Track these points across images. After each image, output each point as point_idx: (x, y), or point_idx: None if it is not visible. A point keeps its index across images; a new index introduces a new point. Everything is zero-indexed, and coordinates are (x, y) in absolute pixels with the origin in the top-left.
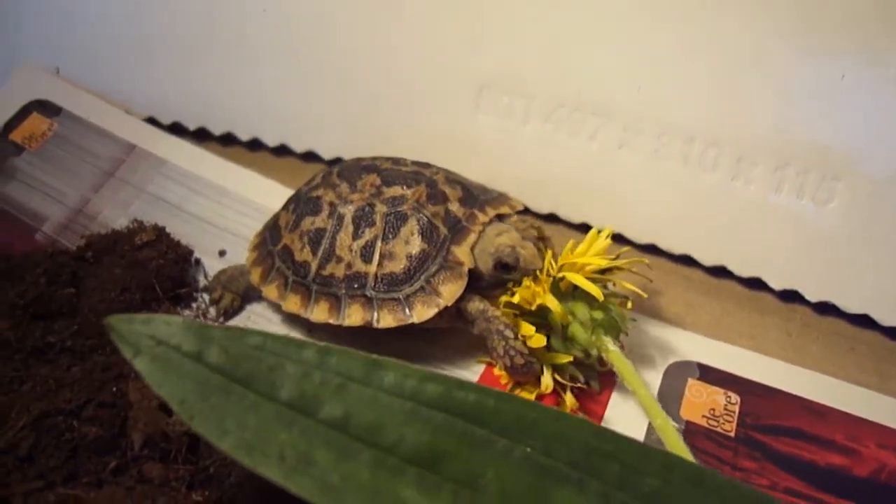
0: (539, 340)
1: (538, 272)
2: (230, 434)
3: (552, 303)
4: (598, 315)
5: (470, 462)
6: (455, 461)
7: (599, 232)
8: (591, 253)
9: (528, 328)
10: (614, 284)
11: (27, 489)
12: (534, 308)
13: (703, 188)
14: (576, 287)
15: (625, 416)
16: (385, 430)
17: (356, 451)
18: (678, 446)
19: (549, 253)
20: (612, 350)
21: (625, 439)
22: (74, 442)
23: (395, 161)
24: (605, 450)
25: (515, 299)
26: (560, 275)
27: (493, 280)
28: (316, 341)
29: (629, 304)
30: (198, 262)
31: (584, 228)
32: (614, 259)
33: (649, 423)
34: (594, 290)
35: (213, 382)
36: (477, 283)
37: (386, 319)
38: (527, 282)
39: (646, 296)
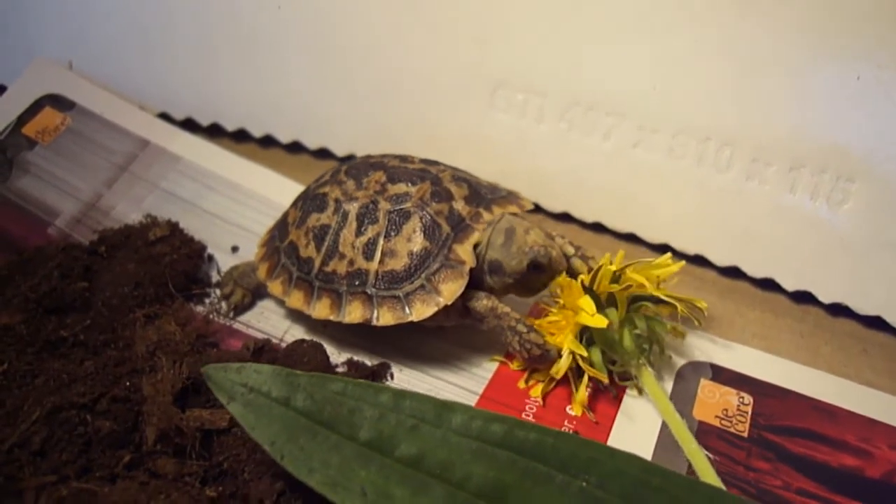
0: (600, 321)
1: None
2: (316, 472)
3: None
4: (658, 329)
5: (531, 495)
6: (518, 495)
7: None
8: (656, 272)
9: (589, 304)
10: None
11: (40, 483)
12: (604, 297)
13: (718, 188)
14: (633, 300)
15: (639, 416)
16: (455, 467)
17: (430, 486)
18: (710, 475)
19: (607, 256)
20: (648, 371)
21: (672, 474)
22: (88, 436)
23: (403, 159)
24: (654, 483)
25: (607, 273)
26: (630, 274)
27: (522, 280)
28: (391, 385)
29: (679, 332)
30: (211, 257)
31: (598, 228)
32: (674, 294)
33: (662, 424)
34: (652, 288)
35: (300, 425)
36: (479, 283)
37: (385, 317)
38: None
39: (683, 336)
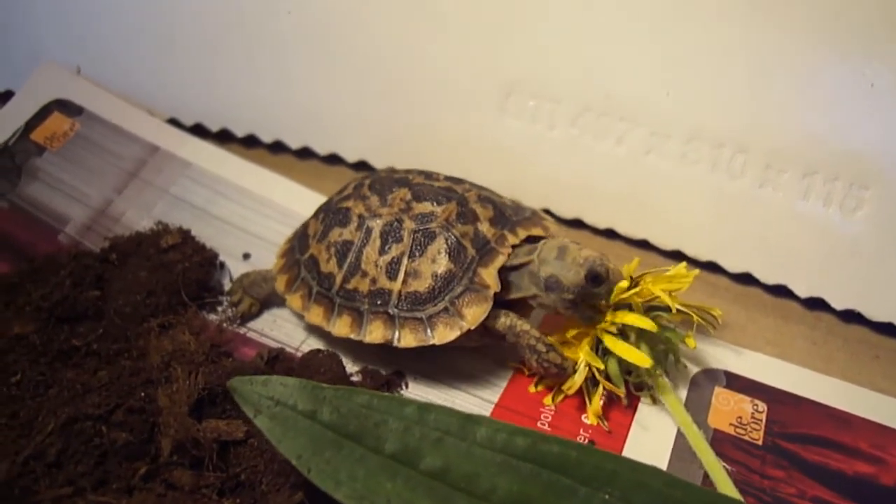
0: (644, 360)
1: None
2: (343, 485)
3: (639, 314)
4: (671, 339)
5: None
6: None
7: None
8: (673, 282)
9: (636, 318)
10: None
11: (56, 495)
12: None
13: (731, 195)
14: (648, 310)
15: (653, 425)
16: (480, 479)
17: (455, 499)
18: (728, 487)
19: (626, 267)
20: (665, 381)
21: (694, 487)
22: (103, 448)
23: (428, 175)
24: (676, 496)
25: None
26: (647, 286)
27: (581, 295)
28: (416, 399)
29: (691, 342)
30: (223, 265)
31: (610, 234)
32: (689, 303)
33: (677, 433)
34: (671, 303)
35: (327, 438)
36: (504, 303)
37: (407, 339)
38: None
39: (694, 346)
